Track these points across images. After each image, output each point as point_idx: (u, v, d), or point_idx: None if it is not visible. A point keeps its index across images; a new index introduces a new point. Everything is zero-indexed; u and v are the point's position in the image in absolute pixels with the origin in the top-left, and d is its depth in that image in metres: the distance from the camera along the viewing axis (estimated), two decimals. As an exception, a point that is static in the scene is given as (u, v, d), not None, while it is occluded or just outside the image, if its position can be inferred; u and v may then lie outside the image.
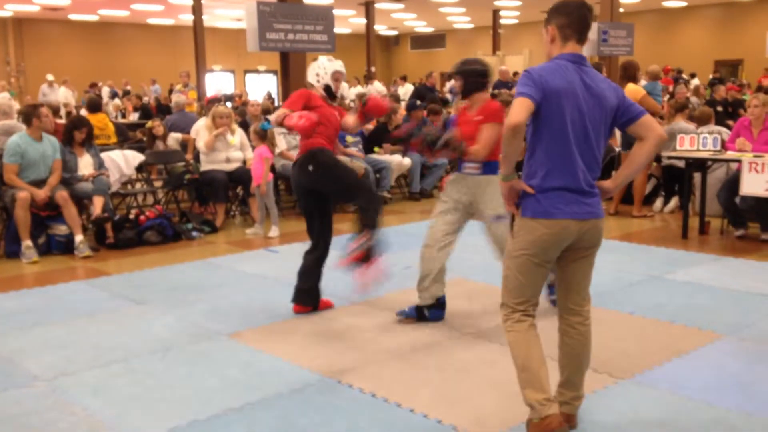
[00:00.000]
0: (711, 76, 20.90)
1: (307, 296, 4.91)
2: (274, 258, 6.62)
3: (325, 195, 4.80)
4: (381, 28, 30.32)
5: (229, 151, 7.99)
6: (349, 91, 18.13)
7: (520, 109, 2.77)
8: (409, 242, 7.02)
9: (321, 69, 4.86)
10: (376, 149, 9.66)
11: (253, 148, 7.83)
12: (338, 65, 4.92)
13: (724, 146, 7.08)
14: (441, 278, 4.66)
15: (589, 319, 3.11)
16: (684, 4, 24.82)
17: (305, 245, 5.01)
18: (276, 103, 17.44)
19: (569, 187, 2.88)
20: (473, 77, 4.57)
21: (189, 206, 8.57)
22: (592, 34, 13.20)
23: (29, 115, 6.81)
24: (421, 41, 33.46)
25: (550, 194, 2.88)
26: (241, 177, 8.03)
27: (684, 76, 19.51)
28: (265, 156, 7.49)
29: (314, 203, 4.80)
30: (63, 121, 9.18)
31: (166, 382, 3.84)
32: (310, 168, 4.61)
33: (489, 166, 4.47)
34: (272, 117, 4.81)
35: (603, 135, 2.94)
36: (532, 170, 2.93)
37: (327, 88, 4.86)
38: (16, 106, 11.32)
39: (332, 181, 4.69)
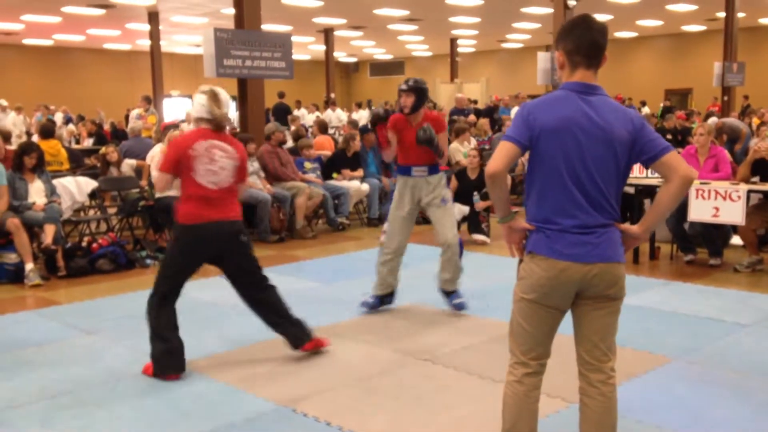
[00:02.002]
0: (662, 105, 21.49)
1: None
2: (228, 286, 6.53)
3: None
4: (340, 55, 30.54)
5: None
6: (308, 117, 18.20)
7: (500, 156, 2.59)
8: (366, 268, 7.02)
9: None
10: (334, 175, 9.68)
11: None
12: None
13: (673, 173, 7.26)
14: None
15: (613, 378, 2.74)
16: (635, 34, 25.56)
17: (263, 272, 4.85)
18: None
19: (570, 230, 2.60)
20: (422, 95, 5.27)
21: (143, 233, 8.45)
22: (545, 63, 13.50)
23: None
24: (381, 68, 33.78)
25: (550, 234, 2.63)
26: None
27: (633, 104, 20.04)
28: None
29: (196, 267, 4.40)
30: (13, 147, 9.00)
31: (116, 413, 3.76)
32: (244, 239, 4.35)
33: (433, 168, 5.33)
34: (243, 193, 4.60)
35: (615, 172, 2.62)
36: (530, 210, 2.71)
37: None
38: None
39: (250, 261, 4.45)
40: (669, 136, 12.61)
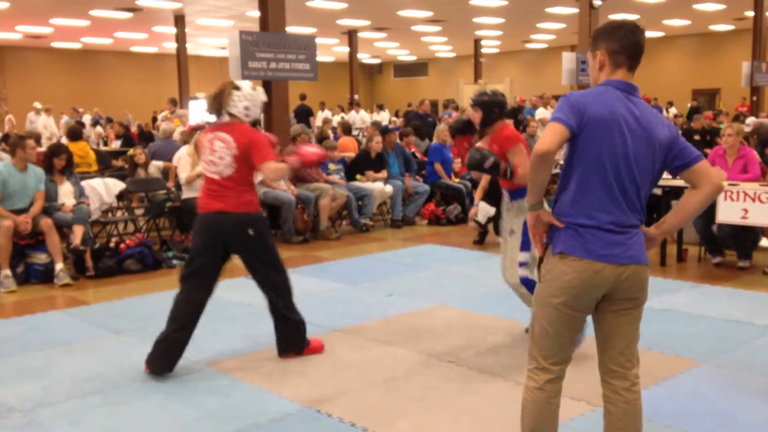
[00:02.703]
0: (689, 105, 21.25)
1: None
2: (254, 286, 6.58)
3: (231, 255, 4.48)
4: (364, 57, 30.59)
5: (211, 179, 7.99)
6: (333, 119, 18.27)
7: (551, 136, 2.51)
8: (390, 269, 7.05)
9: (250, 101, 4.35)
10: (358, 176, 9.71)
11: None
12: (263, 94, 4.47)
13: (700, 174, 7.18)
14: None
15: (637, 385, 2.69)
16: (662, 34, 25.28)
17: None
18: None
19: (605, 227, 2.55)
20: (491, 108, 4.62)
21: (170, 234, 8.54)
22: (571, 63, 13.42)
23: (15, 145, 6.86)
24: (404, 69, 33.79)
25: (583, 232, 2.55)
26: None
27: (659, 104, 19.84)
28: None
29: (220, 260, 4.45)
30: (43, 149, 9.15)
31: (143, 412, 3.81)
32: (251, 232, 4.33)
33: (513, 193, 4.62)
34: (273, 176, 4.64)
35: (650, 173, 2.61)
36: (564, 204, 2.61)
37: (257, 123, 4.64)
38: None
39: (263, 252, 4.45)
40: (697, 137, 12.46)
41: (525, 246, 4.52)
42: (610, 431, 2.70)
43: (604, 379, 2.73)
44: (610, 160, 2.54)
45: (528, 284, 4.52)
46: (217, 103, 4.34)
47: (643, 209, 2.64)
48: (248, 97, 4.33)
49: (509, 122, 4.66)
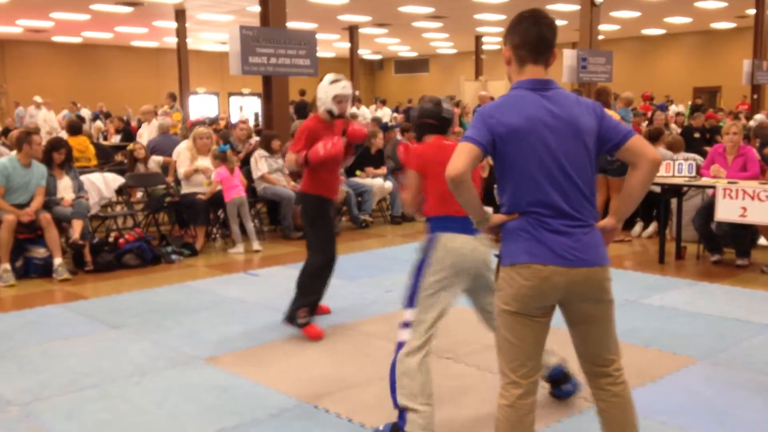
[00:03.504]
0: (690, 103, 21.23)
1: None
2: (253, 281, 6.60)
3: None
4: (365, 53, 30.58)
5: (210, 174, 8.00)
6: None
7: (459, 158, 2.41)
8: (389, 266, 7.05)
9: (322, 93, 4.79)
10: (357, 172, 9.70)
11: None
12: (339, 88, 4.76)
13: (699, 172, 7.19)
14: None
15: (622, 376, 2.64)
16: (663, 32, 25.27)
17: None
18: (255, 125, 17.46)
19: (551, 228, 2.46)
20: (419, 119, 3.73)
21: (169, 229, 8.54)
22: (572, 60, 13.39)
23: (21, 140, 6.84)
24: (405, 65, 33.76)
25: (527, 238, 2.48)
26: (221, 200, 8.03)
27: (662, 102, 19.80)
28: (223, 177, 7.75)
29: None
30: (43, 143, 9.15)
31: (141, 407, 3.81)
32: (300, 207, 4.80)
33: (433, 221, 3.41)
34: (287, 165, 4.92)
35: (587, 164, 2.52)
36: (506, 207, 2.56)
37: (329, 113, 4.82)
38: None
39: (307, 228, 5.05)
40: (697, 135, 12.45)
41: (411, 302, 3.37)
42: (607, 426, 2.67)
43: (588, 379, 2.69)
44: (542, 166, 2.45)
45: (396, 354, 3.39)
46: None
47: (593, 204, 2.54)
48: (319, 90, 4.82)
49: (436, 138, 3.54)
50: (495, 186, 7.86)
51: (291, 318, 4.88)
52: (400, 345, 3.34)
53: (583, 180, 2.50)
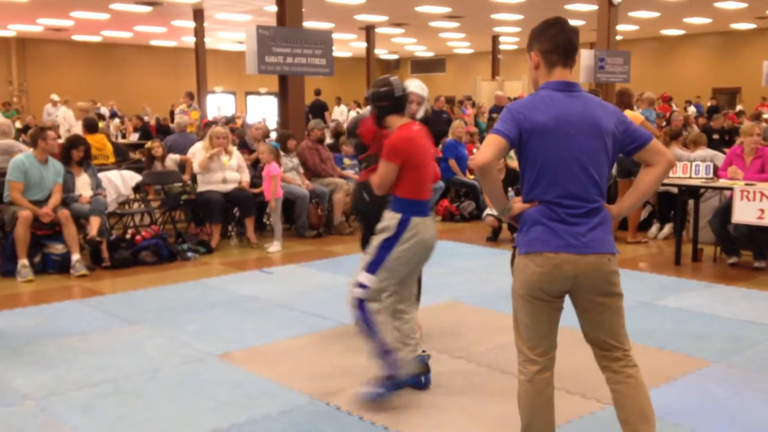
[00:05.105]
0: (708, 105, 21.06)
1: None
2: (268, 279, 6.63)
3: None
4: (381, 52, 30.56)
5: (226, 172, 8.04)
6: (345, 115, 18.29)
7: (487, 148, 2.58)
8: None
9: (425, 93, 4.54)
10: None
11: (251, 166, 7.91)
12: (413, 86, 4.36)
13: (717, 174, 7.14)
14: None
15: (633, 359, 2.78)
16: (682, 32, 25.06)
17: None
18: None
19: (563, 221, 2.64)
20: (374, 104, 3.84)
21: (185, 227, 8.60)
22: (589, 60, 13.34)
23: (36, 137, 6.92)
24: (421, 65, 33.71)
25: (542, 229, 2.66)
26: (237, 198, 8.07)
27: (680, 103, 19.63)
28: (273, 174, 7.78)
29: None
30: (61, 141, 9.24)
31: (155, 402, 3.85)
32: (366, 197, 4.40)
33: (403, 203, 3.68)
34: None
35: (605, 164, 2.70)
36: (527, 198, 2.74)
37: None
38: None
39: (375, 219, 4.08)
40: (716, 136, 12.37)
41: (373, 270, 3.65)
42: (624, 411, 2.75)
43: (601, 365, 2.81)
44: (562, 163, 2.63)
45: (362, 311, 3.66)
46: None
47: (605, 197, 2.73)
48: (420, 90, 4.49)
49: (406, 120, 3.77)
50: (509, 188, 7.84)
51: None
52: (359, 302, 3.67)
53: (600, 174, 2.69)
